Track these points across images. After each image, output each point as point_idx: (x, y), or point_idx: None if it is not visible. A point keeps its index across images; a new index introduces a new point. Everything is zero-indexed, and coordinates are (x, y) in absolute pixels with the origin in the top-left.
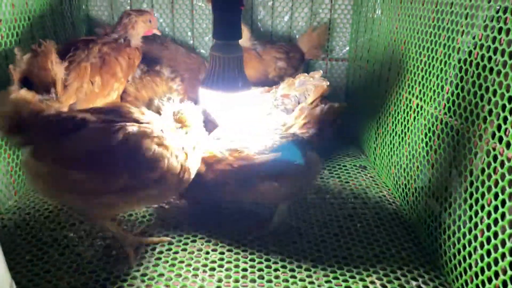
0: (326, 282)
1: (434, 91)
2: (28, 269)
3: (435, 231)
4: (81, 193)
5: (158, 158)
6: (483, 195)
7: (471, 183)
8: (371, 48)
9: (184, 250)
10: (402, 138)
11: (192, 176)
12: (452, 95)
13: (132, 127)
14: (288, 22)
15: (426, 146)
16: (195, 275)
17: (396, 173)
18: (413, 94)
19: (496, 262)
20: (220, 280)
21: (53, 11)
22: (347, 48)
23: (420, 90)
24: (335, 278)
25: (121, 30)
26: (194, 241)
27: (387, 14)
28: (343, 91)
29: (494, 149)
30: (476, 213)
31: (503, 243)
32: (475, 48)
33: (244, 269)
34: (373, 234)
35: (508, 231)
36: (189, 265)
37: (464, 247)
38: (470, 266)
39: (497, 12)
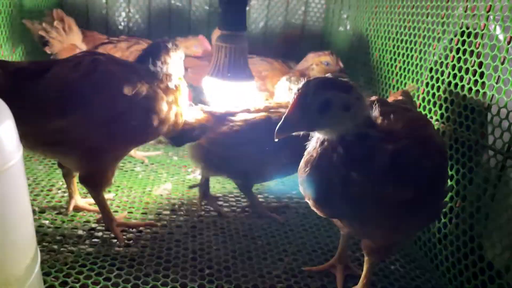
0: None
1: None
2: None
3: None
4: (71, 140)
5: (130, 77)
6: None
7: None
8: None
9: (171, 233)
10: None
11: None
12: (428, 94)
13: (98, 55)
14: (263, 29)
15: None
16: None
17: None
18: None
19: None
20: (210, 260)
21: None
22: None
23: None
24: None
25: None
26: (179, 226)
27: (359, 26)
28: None
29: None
30: None
31: None
32: (451, 52)
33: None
34: None
35: None
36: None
37: None
38: None
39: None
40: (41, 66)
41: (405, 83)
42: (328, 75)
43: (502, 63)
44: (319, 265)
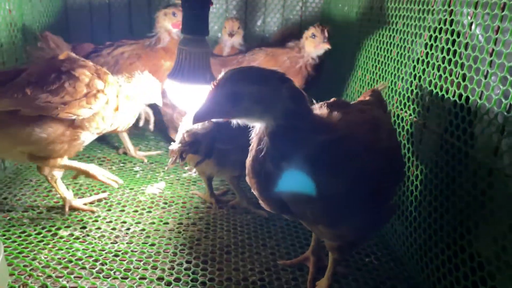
0: None
1: (388, 87)
2: None
3: None
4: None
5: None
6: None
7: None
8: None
9: (157, 230)
10: None
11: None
12: (403, 89)
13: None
14: (261, 26)
15: None
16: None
17: None
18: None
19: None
20: (190, 255)
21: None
22: None
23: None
24: None
25: None
26: (166, 223)
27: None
28: None
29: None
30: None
31: None
32: (426, 48)
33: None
34: None
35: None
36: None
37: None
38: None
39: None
40: (8, 75)
41: (386, 78)
42: (254, 64)
43: (475, 63)
44: (294, 258)
